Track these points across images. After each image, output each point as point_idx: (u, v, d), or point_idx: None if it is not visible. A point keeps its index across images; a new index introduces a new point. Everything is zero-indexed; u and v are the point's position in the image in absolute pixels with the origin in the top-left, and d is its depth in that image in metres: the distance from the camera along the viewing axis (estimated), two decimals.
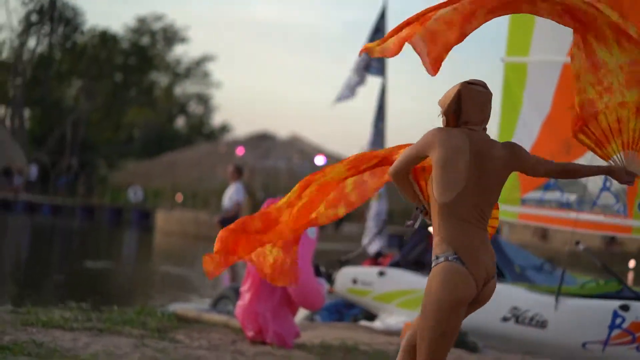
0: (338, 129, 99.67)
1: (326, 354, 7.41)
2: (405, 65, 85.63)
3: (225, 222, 12.80)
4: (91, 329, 7.19)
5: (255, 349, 7.26)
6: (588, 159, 9.54)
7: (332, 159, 42.97)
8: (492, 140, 4.14)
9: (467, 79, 4.17)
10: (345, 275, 9.97)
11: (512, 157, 4.16)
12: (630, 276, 18.55)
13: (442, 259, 3.95)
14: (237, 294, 9.39)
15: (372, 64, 13.76)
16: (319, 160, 39.21)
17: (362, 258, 11.73)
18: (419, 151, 4.11)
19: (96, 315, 7.95)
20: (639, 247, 27.04)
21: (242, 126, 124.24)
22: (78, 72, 59.32)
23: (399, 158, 4.22)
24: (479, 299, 4.06)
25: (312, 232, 7.70)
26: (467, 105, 4.07)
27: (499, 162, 4.10)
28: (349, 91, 13.77)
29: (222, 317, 8.61)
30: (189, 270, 21.89)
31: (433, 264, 4.00)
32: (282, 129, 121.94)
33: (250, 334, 7.56)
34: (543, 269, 9.64)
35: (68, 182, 49.66)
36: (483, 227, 4.05)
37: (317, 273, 7.77)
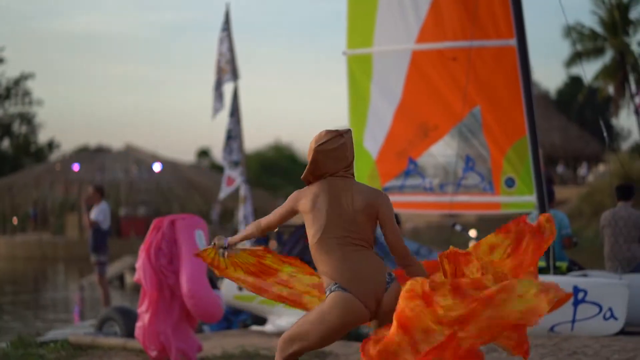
0: (171, 134, 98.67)
1: None
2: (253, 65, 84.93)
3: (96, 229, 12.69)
4: None
5: None
6: (447, 141, 9.96)
7: (167, 165, 42.36)
8: (354, 183, 4.58)
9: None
10: (230, 283, 9.97)
11: (368, 205, 4.54)
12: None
13: (328, 292, 4.38)
14: (122, 314, 9.35)
15: (224, 77, 13.86)
16: (157, 167, 38.69)
17: None
18: (291, 207, 4.56)
19: None
20: (477, 216, 27.24)
21: (70, 142, 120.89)
22: None
23: (272, 215, 4.68)
24: (384, 312, 4.38)
25: (201, 242, 7.64)
26: (323, 163, 4.52)
27: (356, 202, 4.51)
28: (219, 103, 13.86)
29: (118, 340, 8.55)
30: (42, 293, 21.28)
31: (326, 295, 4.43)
32: (115, 141, 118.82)
33: (153, 353, 7.55)
34: (420, 253, 9.96)
35: None
36: (358, 249, 4.43)
37: (213, 285, 7.77)
